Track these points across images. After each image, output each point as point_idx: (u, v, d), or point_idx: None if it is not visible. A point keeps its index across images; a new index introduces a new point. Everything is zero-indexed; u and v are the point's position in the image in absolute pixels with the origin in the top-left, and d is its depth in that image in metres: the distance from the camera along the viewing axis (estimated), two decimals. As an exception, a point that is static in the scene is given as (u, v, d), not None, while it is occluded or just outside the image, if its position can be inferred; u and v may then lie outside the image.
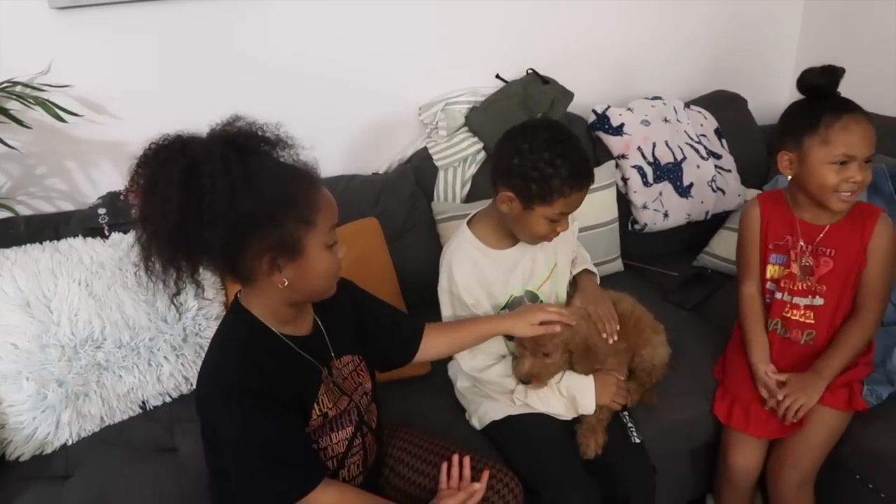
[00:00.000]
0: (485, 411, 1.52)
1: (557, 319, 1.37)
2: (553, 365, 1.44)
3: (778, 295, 1.58)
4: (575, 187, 1.34)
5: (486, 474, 1.24)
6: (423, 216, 2.00)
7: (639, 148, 2.13)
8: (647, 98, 2.26)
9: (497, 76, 2.17)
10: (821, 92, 1.45)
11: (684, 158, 2.16)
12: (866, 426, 1.53)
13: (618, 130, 2.14)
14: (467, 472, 1.26)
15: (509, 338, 1.50)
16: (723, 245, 2.14)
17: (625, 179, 2.13)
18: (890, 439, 1.50)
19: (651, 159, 2.13)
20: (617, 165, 2.14)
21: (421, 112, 2.10)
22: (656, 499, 1.51)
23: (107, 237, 1.68)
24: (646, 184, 2.12)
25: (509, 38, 2.17)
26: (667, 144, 2.15)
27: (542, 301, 1.54)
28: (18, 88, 1.60)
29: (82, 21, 1.71)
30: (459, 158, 2.05)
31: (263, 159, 1.01)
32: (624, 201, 2.14)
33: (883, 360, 1.60)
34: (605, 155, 2.16)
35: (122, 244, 1.65)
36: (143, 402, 1.63)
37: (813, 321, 1.54)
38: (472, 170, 2.06)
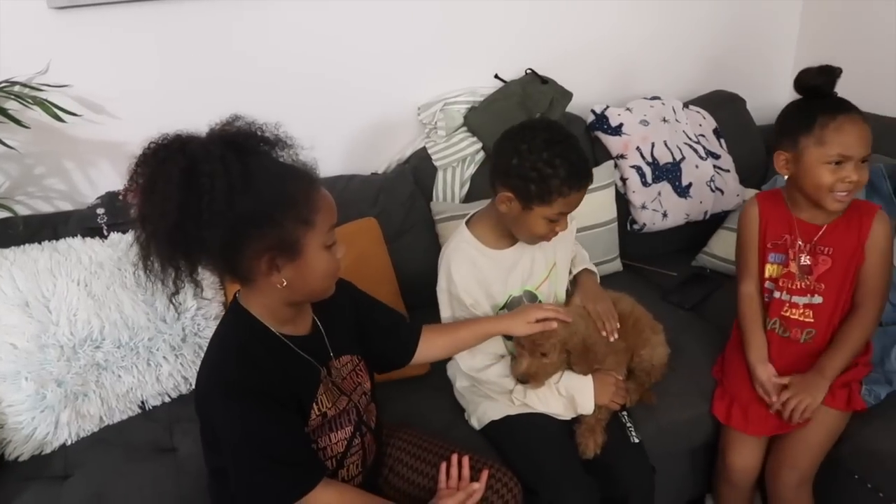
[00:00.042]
0: (484, 411, 1.52)
1: (554, 317, 1.38)
2: (551, 365, 1.44)
3: (777, 294, 1.58)
4: (574, 187, 1.35)
5: (485, 474, 1.24)
6: (421, 216, 2.00)
7: (637, 148, 2.13)
8: (645, 98, 2.26)
9: (496, 76, 2.17)
10: (817, 92, 1.45)
11: (683, 158, 2.16)
12: (865, 426, 1.54)
13: (616, 130, 2.14)
14: (466, 471, 1.26)
15: (508, 338, 1.50)
16: (721, 245, 2.14)
17: (623, 179, 2.13)
18: (888, 439, 1.51)
19: (650, 159, 2.13)
20: (616, 165, 2.14)
21: (420, 112, 2.10)
22: (655, 498, 1.51)
23: (105, 237, 1.68)
24: (644, 184, 2.12)
25: (508, 38, 2.17)
26: (665, 144, 2.15)
27: (540, 301, 1.54)
28: (17, 88, 1.60)
29: (81, 21, 1.71)
30: (458, 158, 2.05)
31: (262, 159, 1.01)
32: (623, 201, 2.14)
33: (881, 359, 1.60)
34: (603, 155, 2.16)
35: (121, 244, 1.65)
36: (142, 402, 1.63)
37: (812, 320, 1.55)
38: (471, 170, 2.06)
